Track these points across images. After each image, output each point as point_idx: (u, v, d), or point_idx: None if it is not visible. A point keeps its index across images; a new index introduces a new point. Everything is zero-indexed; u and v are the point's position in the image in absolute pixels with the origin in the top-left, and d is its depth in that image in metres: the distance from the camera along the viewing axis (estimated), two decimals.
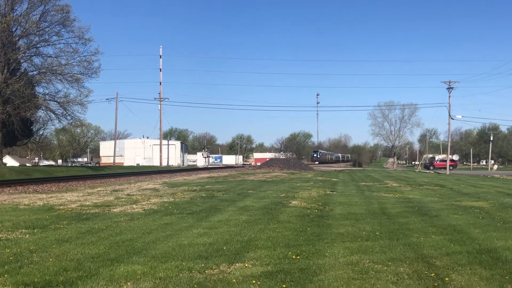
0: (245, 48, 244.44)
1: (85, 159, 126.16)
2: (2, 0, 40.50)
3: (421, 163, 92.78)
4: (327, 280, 5.59)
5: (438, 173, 55.58)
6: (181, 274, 5.78)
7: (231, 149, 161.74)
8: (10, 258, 6.54)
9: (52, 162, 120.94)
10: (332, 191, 19.58)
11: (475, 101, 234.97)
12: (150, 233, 8.62)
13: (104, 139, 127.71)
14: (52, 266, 6.09)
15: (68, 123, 48.04)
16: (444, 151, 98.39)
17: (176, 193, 17.54)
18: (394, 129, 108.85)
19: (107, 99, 69.62)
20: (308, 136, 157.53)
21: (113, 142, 78.23)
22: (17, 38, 41.41)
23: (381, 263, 6.40)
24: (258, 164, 78.55)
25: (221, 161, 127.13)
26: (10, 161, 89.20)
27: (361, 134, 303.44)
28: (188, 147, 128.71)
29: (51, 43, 43.74)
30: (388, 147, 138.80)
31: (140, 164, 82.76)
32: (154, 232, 8.69)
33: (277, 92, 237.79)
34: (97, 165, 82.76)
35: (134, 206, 13.06)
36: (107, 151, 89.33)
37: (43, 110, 45.17)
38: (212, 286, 5.34)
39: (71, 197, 15.75)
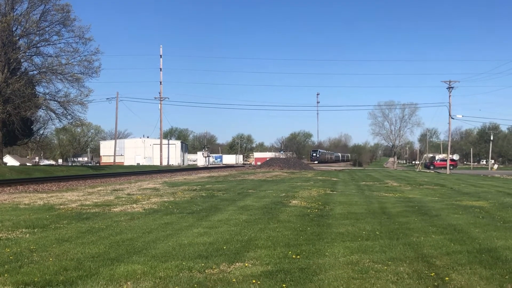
0: (246, 47, 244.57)
1: (86, 159, 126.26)
2: None
3: (422, 163, 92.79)
4: (327, 279, 5.59)
5: (438, 172, 55.58)
6: (181, 274, 5.78)
7: (231, 148, 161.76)
8: (10, 257, 6.55)
9: (52, 162, 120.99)
10: (332, 191, 19.58)
11: (475, 101, 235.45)
12: (150, 232, 8.63)
13: (104, 138, 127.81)
14: (52, 266, 6.09)
15: (68, 123, 48.10)
16: (445, 151, 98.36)
17: (177, 193, 17.54)
18: (395, 128, 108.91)
19: (107, 98, 69.63)
20: (308, 135, 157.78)
21: (113, 141, 78.27)
22: (17, 38, 41.42)
23: (381, 263, 6.40)
24: (258, 163, 78.53)
25: (221, 160, 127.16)
26: (10, 160, 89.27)
27: (361, 134, 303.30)
28: (188, 147, 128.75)
29: (51, 43, 43.81)
30: (388, 147, 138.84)
31: (141, 164, 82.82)
32: (154, 232, 8.69)
33: (277, 92, 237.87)
34: (98, 164, 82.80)
35: (135, 205, 13.07)
36: (107, 151, 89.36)
37: (43, 109, 45.23)
38: (212, 286, 5.34)
39: (71, 197, 15.76)
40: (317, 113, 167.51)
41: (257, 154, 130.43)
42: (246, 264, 6.26)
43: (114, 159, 73.16)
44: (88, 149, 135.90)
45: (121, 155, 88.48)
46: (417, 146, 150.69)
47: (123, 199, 15.06)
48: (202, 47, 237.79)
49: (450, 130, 61.81)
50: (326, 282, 5.48)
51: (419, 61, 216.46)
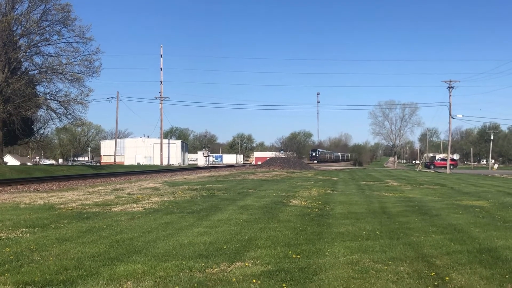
0: (246, 47, 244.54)
1: (86, 158, 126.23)
2: None
3: (422, 162, 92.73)
4: (327, 279, 5.59)
5: (438, 172, 55.57)
6: (181, 273, 5.78)
7: (231, 148, 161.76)
8: (11, 257, 6.55)
9: (52, 161, 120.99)
10: (332, 190, 19.59)
11: (475, 100, 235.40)
12: (150, 232, 8.63)
13: (105, 138, 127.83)
14: (52, 265, 6.09)
15: (69, 122, 48.13)
16: (445, 150, 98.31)
17: (177, 192, 17.55)
18: (395, 128, 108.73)
19: (108, 98, 69.63)
20: (309, 135, 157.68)
21: (113, 141, 78.28)
22: (18, 37, 41.45)
23: (381, 262, 6.40)
24: (259, 163, 78.55)
25: (221, 160, 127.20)
26: (11, 160, 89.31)
27: (361, 133, 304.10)
28: (189, 146, 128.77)
29: (51, 42, 43.85)
30: (388, 146, 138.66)
31: (141, 163, 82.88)
32: (155, 231, 8.69)
33: (277, 91, 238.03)
34: (98, 164, 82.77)
35: (135, 205, 13.08)
36: (108, 150, 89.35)
37: (44, 109, 45.27)
38: (212, 285, 5.34)
39: (71, 196, 15.77)
40: (318, 113, 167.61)
41: (257, 154, 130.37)
42: (246, 264, 6.26)
43: (115, 159, 73.16)
44: (89, 148, 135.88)
45: (122, 155, 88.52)
46: (417, 145, 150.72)
47: (124, 198, 15.07)
48: (202, 46, 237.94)
49: (450, 129, 61.81)
50: (326, 282, 5.49)
51: (419, 61, 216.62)
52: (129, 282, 5.41)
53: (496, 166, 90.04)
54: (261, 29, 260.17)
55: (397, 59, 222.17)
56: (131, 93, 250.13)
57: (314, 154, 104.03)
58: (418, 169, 72.48)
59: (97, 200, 14.55)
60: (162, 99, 73.48)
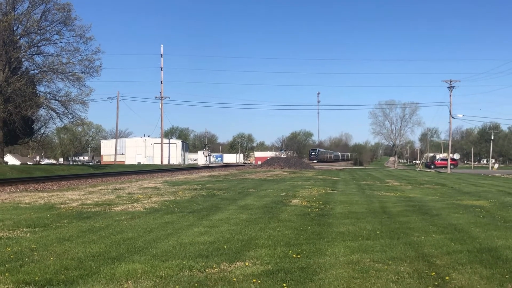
0: (246, 47, 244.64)
1: (86, 158, 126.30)
2: None
3: (422, 162, 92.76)
4: (328, 279, 5.59)
5: (439, 172, 55.56)
6: (181, 273, 5.79)
7: (232, 147, 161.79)
8: (11, 256, 6.55)
9: (53, 161, 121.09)
10: (332, 190, 19.59)
11: (476, 100, 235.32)
12: (151, 231, 8.63)
13: (105, 137, 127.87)
14: (53, 265, 6.10)
15: (69, 122, 48.12)
16: (445, 150, 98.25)
17: (177, 192, 17.55)
18: (395, 128, 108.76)
19: (108, 98, 69.80)
20: (309, 135, 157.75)
21: (114, 140, 78.31)
22: (18, 37, 41.44)
23: (381, 262, 6.40)
24: (259, 162, 78.54)
25: (222, 159, 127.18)
26: (11, 159, 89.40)
27: (362, 133, 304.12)
28: (189, 146, 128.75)
29: (52, 42, 43.83)
30: (389, 146, 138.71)
31: (141, 163, 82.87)
32: (155, 231, 8.70)
33: (278, 91, 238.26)
34: (98, 163, 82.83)
35: (135, 204, 13.08)
36: (108, 150, 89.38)
37: (44, 108, 45.25)
38: (213, 285, 5.34)
39: (72, 196, 15.77)
40: (318, 112, 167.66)
41: (257, 153, 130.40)
42: (247, 264, 6.26)
43: (115, 158, 73.18)
44: (89, 148, 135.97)
45: (122, 154, 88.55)
46: (417, 145, 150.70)
47: (124, 198, 15.08)
48: (202, 46, 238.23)
49: (450, 129, 61.79)
50: (326, 282, 5.49)
51: (420, 61, 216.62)
52: (129, 282, 5.41)
53: (496, 165, 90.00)
54: (261, 29, 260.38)
55: (397, 59, 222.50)
56: (132, 93, 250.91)
57: (313, 153, 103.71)
58: (418, 169, 72.48)
59: (97, 199, 14.55)
60: (162, 98, 73.53)
